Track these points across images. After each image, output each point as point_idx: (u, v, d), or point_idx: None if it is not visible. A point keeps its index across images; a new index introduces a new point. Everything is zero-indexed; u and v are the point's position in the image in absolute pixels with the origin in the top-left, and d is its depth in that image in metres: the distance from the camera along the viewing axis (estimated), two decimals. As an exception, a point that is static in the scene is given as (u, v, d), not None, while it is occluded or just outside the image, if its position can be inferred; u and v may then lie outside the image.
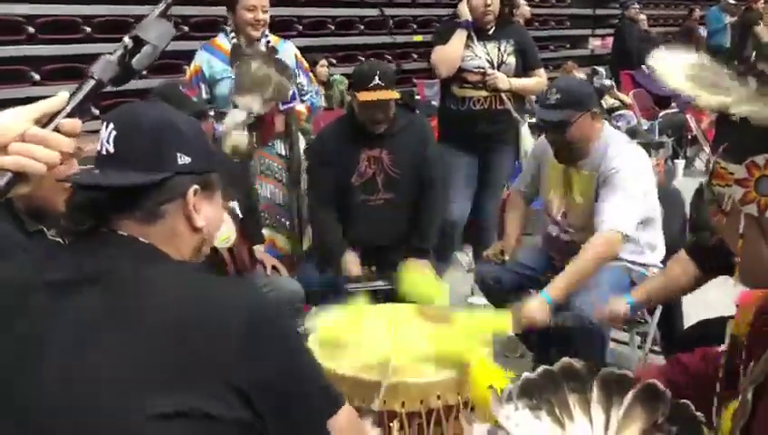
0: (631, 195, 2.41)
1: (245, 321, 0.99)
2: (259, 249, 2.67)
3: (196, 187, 1.09)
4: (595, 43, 10.10)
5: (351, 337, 1.97)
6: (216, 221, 1.17)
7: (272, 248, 3.17)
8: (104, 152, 1.07)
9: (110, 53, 0.97)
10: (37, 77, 4.75)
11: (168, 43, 1.02)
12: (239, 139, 2.87)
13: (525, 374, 1.30)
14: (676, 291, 2.27)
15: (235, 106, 2.94)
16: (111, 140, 1.07)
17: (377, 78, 2.72)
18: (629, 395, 1.21)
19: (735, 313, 1.30)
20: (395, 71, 3.00)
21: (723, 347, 1.36)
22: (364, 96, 2.74)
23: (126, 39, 0.98)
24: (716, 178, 1.15)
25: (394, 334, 1.93)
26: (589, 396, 1.24)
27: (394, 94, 2.79)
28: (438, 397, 1.75)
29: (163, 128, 1.08)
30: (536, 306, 2.33)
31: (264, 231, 3.08)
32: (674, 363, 1.49)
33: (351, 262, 2.82)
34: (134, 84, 4.62)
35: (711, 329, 2.10)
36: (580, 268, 2.37)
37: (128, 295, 0.99)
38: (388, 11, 7.35)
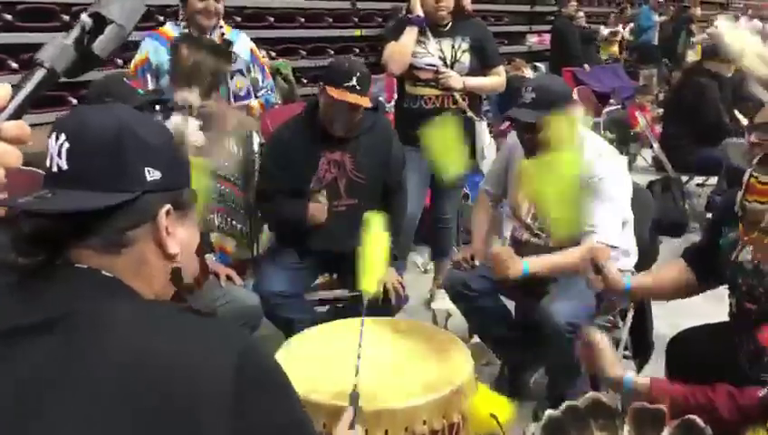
0: (618, 205, 2.36)
1: (231, 378, 0.81)
2: (211, 259, 2.46)
3: (168, 206, 0.91)
4: (532, 40, 10.17)
5: (318, 358, 1.86)
6: (191, 246, 0.99)
7: (222, 254, 2.96)
8: (55, 169, 0.88)
9: (65, 35, 0.79)
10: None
11: (135, 23, 0.84)
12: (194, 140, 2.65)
13: (548, 412, 1.18)
14: (663, 294, 2.20)
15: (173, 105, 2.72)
16: (64, 154, 0.87)
17: (354, 79, 2.51)
18: (666, 433, 1.09)
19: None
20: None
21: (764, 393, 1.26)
22: (336, 93, 2.52)
23: (83, 17, 0.81)
24: (753, 193, 1.05)
25: (363, 353, 1.77)
26: (620, 434, 1.12)
27: (366, 102, 2.59)
28: (424, 422, 1.64)
29: (126, 138, 0.89)
30: (514, 262, 2.29)
31: (213, 236, 2.86)
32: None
33: (318, 207, 2.63)
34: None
35: (699, 338, 2.04)
36: (565, 259, 2.32)
37: (87, 346, 0.80)
38: (335, 4, 7.18)
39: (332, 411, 1.58)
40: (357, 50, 7.23)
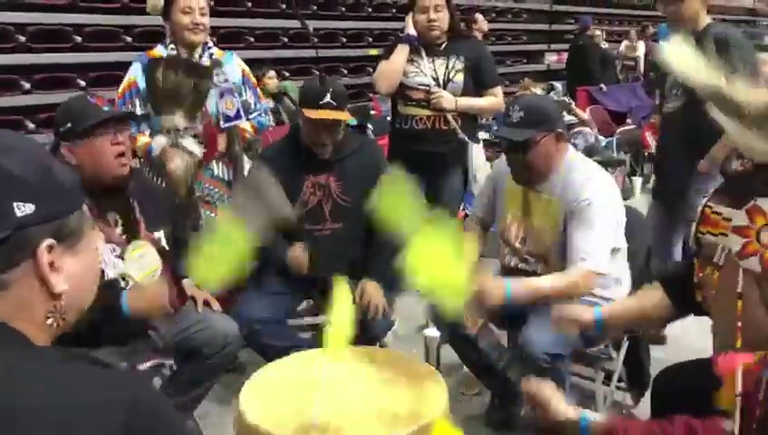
0: (606, 231, 2.26)
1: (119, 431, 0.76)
2: (189, 283, 2.42)
3: (49, 241, 0.84)
4: (551, 58, 10.10)
5: (289, 389, 1.78)
6: (87, 276, 0.91)
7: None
8: None
9: None
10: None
11: None
12: (178, 163, 2.63)
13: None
14: (641, 322, 2.12)
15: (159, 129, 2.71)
16: None
17: (328, 96, 2.48)
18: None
19: (723, 383, 1.12)
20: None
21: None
22: (312, 114, 2.49)
23: None
24: (706, 224, 0.97)
25: (335, 386, 1.71)
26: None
27: (345, 116, 2.54)
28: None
29: None
30: (493, 288, 2.18)
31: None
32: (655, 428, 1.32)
33: (299, 255, 2.57)
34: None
35: (685, 373, 1.94)
36: (550, 285, 2.24)
37: None
38: (345, 24, 7.17)
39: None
40: (371, 69, 7.21)
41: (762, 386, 1.01)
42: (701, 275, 1.01)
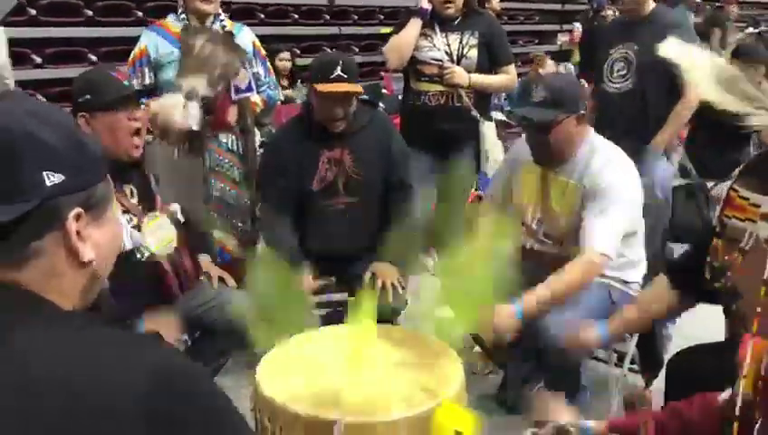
0: (620, 215, 2.23)
1: (141, 400, 0.75)
2: (204, 258, 2.41)
3: (77, 210, 0.83)
4: (563, 39, 9.99)
5: (306, 364, 1.78)
6: (111, 246, 0.91)
7: (222, 252, 2.91)
8: None
9: None
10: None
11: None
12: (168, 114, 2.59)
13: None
14: (649, 321, 2.12)
15: (179, 88, 2.67)
16: None
17: (338, 69, 2.47)
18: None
19: (741, 368, 1.12)
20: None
21: (724, 397, 1.20)
22: (323, 88, 2.48)
23: None
24: (733, 208, 0.95)
25: (352, 362, 1.71)
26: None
27: (357, 88, 2.54)
28: (407, 438, 1.55)
29: (15, 141, 0.80)
30: (504, 320, 2.16)
31: (216, 233, 2.83)
32: (669, 412, 1.32)
33: (306, 281, 2.55)
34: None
35: (700, 356, 1.94)
36: (560, 286, 2.19)
37: None
38: (357, 1, 7.10)
39: (311, 424, 1.54)
40: (382, 48, 7.15)
41: None
42: (726, 258, 0.99)
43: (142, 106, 2.29)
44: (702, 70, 0.97)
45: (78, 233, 0.84)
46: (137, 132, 2.11)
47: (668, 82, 3.06)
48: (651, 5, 3.26)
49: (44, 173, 0.80)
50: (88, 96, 2.07)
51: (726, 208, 0.95)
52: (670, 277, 1.95)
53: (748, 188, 0.93)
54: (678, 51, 1.03)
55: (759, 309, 0.95)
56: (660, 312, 2.05)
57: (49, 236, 0.82)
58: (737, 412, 1.05)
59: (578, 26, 8.96)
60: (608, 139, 2.40)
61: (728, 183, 0.97)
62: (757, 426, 1.03)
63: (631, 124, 3.21)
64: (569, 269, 2.18)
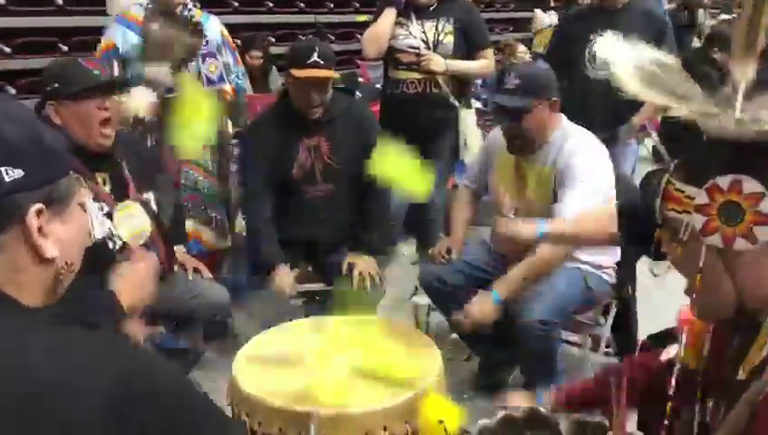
0: (589, 194, 2.23)
1: (104, 402, 0.74)
2: (180, 249, 2.39)
3: (38, 206, 0.82)
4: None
5: (282, 357, 1.77)
6: (76, 242, 0.89)
7: (196, 242, 2.89)
8: None
9: None
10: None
11: None
12: (139, 101, 2.55)
13: (482, 422, 1.11)
14: (585, 242, 2.12)
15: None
16: None
17: (315, 55, 2.45)
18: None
19: (682, 336, 1.14)
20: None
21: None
22: (300, 73, 2.47)
23: None
24: (670, 201, 0.97)
25: (328, 354, 1.71)
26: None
27: (333, 74, 2.53)
28: (385, 428, 1.56)
29: None
30: (482, 307, 2.20)
31: (188, 224, 2.80)
32: (633, 364, 1.35)
33: (284, 280, 2.54)
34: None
35: (672, 340, 1.96)
36: (533, 266, 2.21)
37: None
38: (332, -11, 7.05)
39: (288, 417, 1.54)
40: (359, 36, 7.12)
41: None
42: (665, 250, 1.02)
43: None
44: (625, 66, 0.98)
45: (39, 229, 0.82)
46: (106, 121, 2.08)
47: None
48: None
49: (2, 169, 0.79)
50: (56, 84, 2.03)
51: (665, 201, 0.97)
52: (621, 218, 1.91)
53: (682, 181, 0.95)
54: (606, 49, 1.03)
55: (694, 296, 0.99)
56: (601, 241, 2.03)
57: (9, 232, 0.80)
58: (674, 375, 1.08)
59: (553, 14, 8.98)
60: (586, 123, 2.42)
61: (666, 175, 0.98)
62: (710, 406, 1.05)
63: (613, 108, 3.24)
64: (541, 247, 2.19)
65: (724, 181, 0.91)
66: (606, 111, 3.17)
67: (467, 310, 2.25)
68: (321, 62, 2.46)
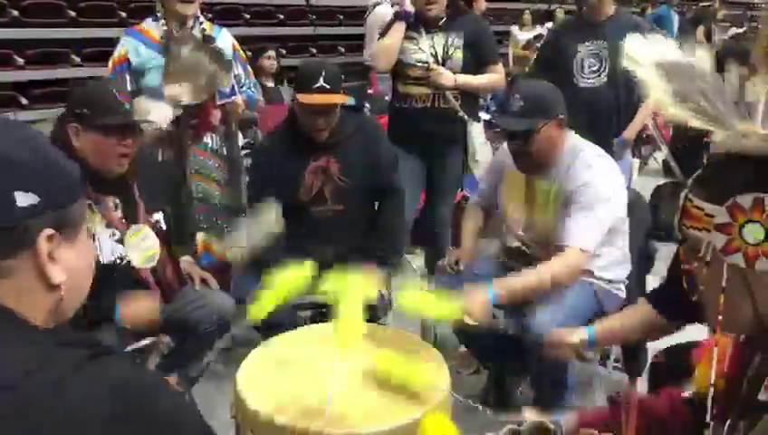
0: (602, 212, 2.23)
1: (100, 418, 0.75)
2: (187, 260, 2.39)
3: (49, 231, 0.82)
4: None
5: (287, 370, 1.76)
6: (83, 270, 0.89)
7: (207, 254, 2.90)
8: None
9: None
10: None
11: None
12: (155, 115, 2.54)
13: (486, 436, 1.09)
14: (634, 337, 2.06)
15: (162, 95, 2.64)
16: None
17: (321, 79, 2.42)
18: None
19: (698, 365, 1.13)
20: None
21: (687, 395, 1.21)
22: (306, 99, 2.44)
23: None
24: (689, 218, 0.95)
25: (333, 366, 1.69)
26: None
27: (339, 98, 2.49)
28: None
29: None
30: (477, 304, 2.14)
31: (199, 236, 2.81)
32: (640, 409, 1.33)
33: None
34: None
35: (684, 354, 1.94)
36: (537, 278, 2.21)
37: None
38: (343, 1, 7.09)
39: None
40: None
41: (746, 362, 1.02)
42: (687, 267, 1.00)
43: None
44: (650, 70, 0.97)
45: (49, 254, 0.82)
46: (124, 156, 2.09)
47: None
48: (611, 10, 3.33)
49: (16, 193, 0.79)
50: (86, 110, 2.02)
51: (684, 218, 0.95)
52: (652, 300, 1.88)
53: (701, 198, 0.93)
54: (633, 50, 1.02)
55: (720, 317, 0.97)
56: (650, 331, 1.95)
57: (20, 257, 0.81)
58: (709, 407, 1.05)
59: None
60: (579, 133, 2.42)
61: (684, 191, 0.96)
62: (726, 428, 1.03)
63: (604, 117, 3.29)
64: (548, 263, 2.20)
65: (745, 200, 0.89)
66: (595, 120, 3.19)
67: (465, 306, 2.13)
68: (328, 87, 2.42)
